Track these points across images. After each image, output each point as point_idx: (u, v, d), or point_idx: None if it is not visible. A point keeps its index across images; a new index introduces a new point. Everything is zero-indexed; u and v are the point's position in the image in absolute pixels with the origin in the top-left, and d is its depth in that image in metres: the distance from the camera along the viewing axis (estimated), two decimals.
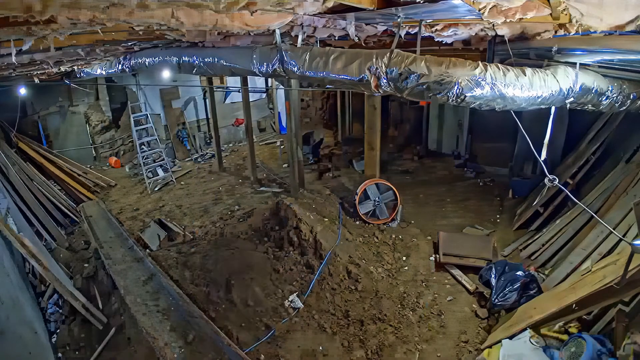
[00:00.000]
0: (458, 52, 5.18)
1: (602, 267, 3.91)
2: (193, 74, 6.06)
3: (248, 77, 9.63)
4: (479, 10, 2.63)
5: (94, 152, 11.33)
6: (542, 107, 3.40)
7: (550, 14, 2.92)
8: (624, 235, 4.46)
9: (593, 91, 3.62)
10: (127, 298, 5.19)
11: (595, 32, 3.07)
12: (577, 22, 3.00)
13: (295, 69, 3.99)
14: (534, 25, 3.35)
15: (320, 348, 4.58)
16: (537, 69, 3.23)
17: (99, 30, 2.88)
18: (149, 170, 10.18)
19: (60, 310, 5.24)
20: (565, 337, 3.87)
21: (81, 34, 3.38)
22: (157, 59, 5.95)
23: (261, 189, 9.16)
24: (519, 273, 4.74)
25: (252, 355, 4.42)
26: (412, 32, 3.64)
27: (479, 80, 2.93)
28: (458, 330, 4.73)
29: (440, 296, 5.33)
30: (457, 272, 5.66)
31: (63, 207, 8.20)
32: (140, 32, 3.63)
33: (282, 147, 11.13)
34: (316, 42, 4.77)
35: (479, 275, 5.18)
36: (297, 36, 3.98)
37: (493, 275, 4.87)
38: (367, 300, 5.23)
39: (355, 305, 5.18)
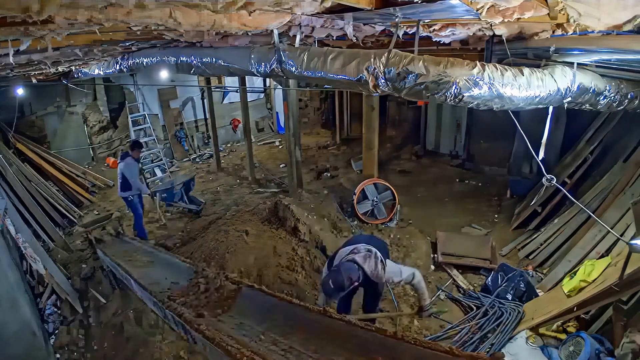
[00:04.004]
0: (456, 52, 5.18)
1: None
2: (191, 74, 6.03)
3: (246, 77, 9.62)
4: (477, 10, 2.64)
5: (91, 153, 11.28)
6: (540, 106, 3.41)
7: (548, 14, 2.92)
8: (621, 235, 4.48)
9: (591, 91, 3.63)
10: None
11: (593, 32, 3.09)
12: (574, 22, 3.01)
13: (293, 69, 3.98)
14: (531, 25, 3.36)
15: None
16: (534, 69, 3.24)
17: (97, 31, 2.87)
18: (146, 170, 10.16)
19: (59, 311, 5.22)
20: (563, 336, 3.88)
21: (79, 34, 3.37)
22: (154, 59, 5.93)
23: (259, 189, 9.15)
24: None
25: None
26: (410, 32, 3.65)
27: (477, 80, 2.93)
28: None
29: (440, 296, 5.33)
30: (454, 273, 5.67)
31: (61, 208, 8.18)
32: (138, 32, 3.62)
33: (280, 147, 11.12)
34: (314, 42, 4.76)
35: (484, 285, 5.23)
36: (295, 36, 3.97)
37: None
38: None
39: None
